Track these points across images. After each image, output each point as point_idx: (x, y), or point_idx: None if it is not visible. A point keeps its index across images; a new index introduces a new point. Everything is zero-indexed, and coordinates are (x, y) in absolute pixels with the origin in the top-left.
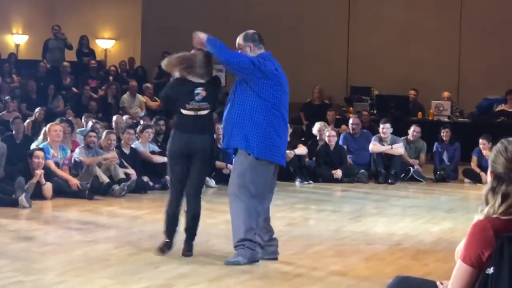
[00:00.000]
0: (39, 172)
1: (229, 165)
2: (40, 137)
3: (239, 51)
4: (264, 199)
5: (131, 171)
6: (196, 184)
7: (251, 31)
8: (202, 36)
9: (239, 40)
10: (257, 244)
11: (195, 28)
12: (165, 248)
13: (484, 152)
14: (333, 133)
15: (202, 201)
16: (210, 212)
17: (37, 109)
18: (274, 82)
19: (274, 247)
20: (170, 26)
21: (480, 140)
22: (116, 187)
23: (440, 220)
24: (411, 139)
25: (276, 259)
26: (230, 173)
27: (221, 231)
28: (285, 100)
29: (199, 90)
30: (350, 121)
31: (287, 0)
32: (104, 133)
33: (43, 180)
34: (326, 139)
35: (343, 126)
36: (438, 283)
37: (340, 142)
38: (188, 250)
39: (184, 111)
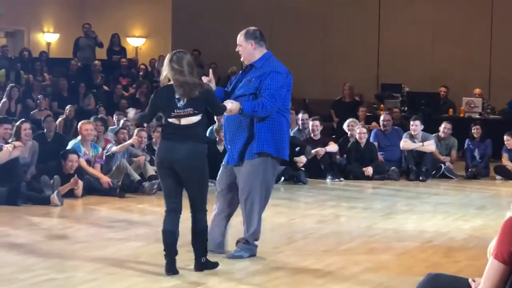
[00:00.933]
0: (77, 182)
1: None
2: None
3: (239, 48)
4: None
5: None
6: (193, 196)
7: (252, 28)
8: (234, 109)
9: (241, 37)
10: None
11: (224, 26)
12: (169, 270)
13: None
14: (364, 130)
15: None
16: (238, 210)
17: (67, 107)
18: (287, 86)
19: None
20: (200, 23)
21: (505, 137)
22: (147, 184)
23: (471, 217)
24: (442, 136)
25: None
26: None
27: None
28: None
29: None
30: (381, 117)
31: None
32: (135, 131)
33: (77, 185)
34: (357, 136)
35: (374, 123)
36: (470, 280)
37: (371, 139)
38: (200, 270)
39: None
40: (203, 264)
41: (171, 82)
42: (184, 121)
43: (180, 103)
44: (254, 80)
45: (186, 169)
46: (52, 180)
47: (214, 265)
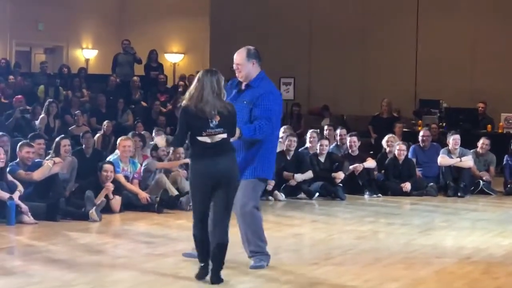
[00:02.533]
0: (110, 187)
1: (296, 175)
2: (117, 151)
3: (237, 67)
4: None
5: None
6: (222, 211)
7: (251, 47)
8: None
9: (242, 56)
10: None
11: (263, 42)
12: (201, 274)
13: None
14: (404, 147)
15: (269, 214)
16: (277, 226)
17: (105, 122)
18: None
19: None
20: (238, 40)
21: None
22: (184, 199)
23: (510, 234)
24: (480, 151)
25: None
26: (296, 185)
27: (290, 245)
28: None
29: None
30: (421, 133)
31: (354, 12)
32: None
33: (111, 195)
34: (396, 152)
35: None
36: None
37: (409, 155)
38: (214, 282)
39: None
40: (220, 278)
41: (199, 101)
42: (216, 138)
43: (213, 123)
44: (250, 102)
45: (229, 179)
46: (86, 195)
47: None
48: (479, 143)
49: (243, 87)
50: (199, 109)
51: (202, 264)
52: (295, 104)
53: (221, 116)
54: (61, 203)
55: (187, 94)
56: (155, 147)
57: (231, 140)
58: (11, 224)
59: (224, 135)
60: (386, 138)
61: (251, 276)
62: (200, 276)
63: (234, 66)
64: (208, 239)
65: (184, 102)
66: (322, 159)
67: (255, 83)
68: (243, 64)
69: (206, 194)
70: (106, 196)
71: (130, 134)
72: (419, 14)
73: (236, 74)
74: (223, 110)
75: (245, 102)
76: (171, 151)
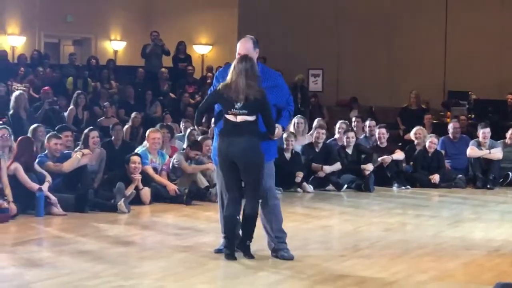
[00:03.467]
0: (137, 176)
1: (324, 167)
2: (145, 142)
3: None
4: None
5: None
6: (248, 185)
7: (252, 36)
8: (279, 133)
9: (249, 45)
10: None
11: (291, 33)
12: (227, 253)
13: None
14: (435, 140)
15: (298, 206)
16: (306, 217)
17: (133, 114)
18: None
19: None
20: (266, 31)
21: None
22: (213, 190)
23: None
24: (509, 142)
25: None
26: (325, 176)
27: (318, 236)
28: None
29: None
30: (450, 125)
31: (381, 2)
32: (200, 139)
33: (141, 185)
34: (427, 145)
35: None
36: None
37: (439, 147)
38: (243, 251)
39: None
40: (247, 247)
41: (229, 85)
42: (240, 118)
43: (237, 105)
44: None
45: (243, 160)
46: (116, 186)
47: (250, 256)
48: (508, 134)
49: None
50: (227, 92)
51: (228, 242)
52: (313, 94)
53: (248, 100)
54: (89, 194)
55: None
56: (191, 144)
57: (274, 138)
58: (40, 215)
59: (248, 117)
60: (414, 130)
61: (282, 266)
62: (228, 256)
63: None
64: (237, 217)
65: (219, 85)
66: (349, 151)
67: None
68: (251, 53)
69: (227, 172)
70: (136, 188)
71: (158, 126)
72: (448, 4)
73: None
74: (250, 95)
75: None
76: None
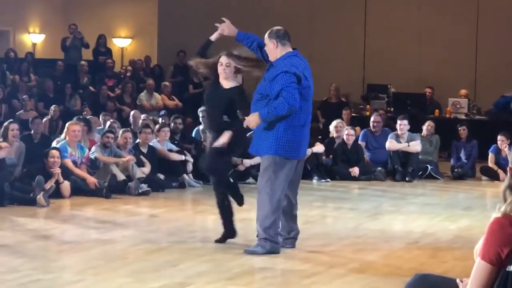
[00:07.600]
0: (57, 171)
1: (244, 161)
2: (63, 135)
3: (264, 48)
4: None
5: (148, 166)
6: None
7: (276, 27)
8: (256, 120)
9: (265, 36)
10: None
11: (210, 27)
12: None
13: (503, 149)
14: (352, 132)
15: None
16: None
17: (52, 107)
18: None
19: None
20: (187, 24)
21: (499, 137)
22: (132, 184)
23: (457, 218)
24: (426, 133)
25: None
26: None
27: (239, 229)
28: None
29: None
30: (372, 118)
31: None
32: (120, 132)
33: (61, 178)
34: (345, 137)
35: (357, 128)
36: (458, 280)
37: (360, 139)
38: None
39: None
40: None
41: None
42: None
43: None
44: (269, 80)
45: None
46: (36, 180)
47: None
48: (424, 126)
49: (270, 66)
50: None
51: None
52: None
53: None
54: (6, 187)
55: None
56: (105, 132)
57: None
58: None
59: None
60: (334, 123)
61: (202, 259)
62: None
63: (265, 47)
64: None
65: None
66: None
67: (277, 62)
68: (267, 44)
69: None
70: (56, 182)
71: (75, 119)
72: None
73: None
74: None
75: (263, 79)
76: (119, 135)
